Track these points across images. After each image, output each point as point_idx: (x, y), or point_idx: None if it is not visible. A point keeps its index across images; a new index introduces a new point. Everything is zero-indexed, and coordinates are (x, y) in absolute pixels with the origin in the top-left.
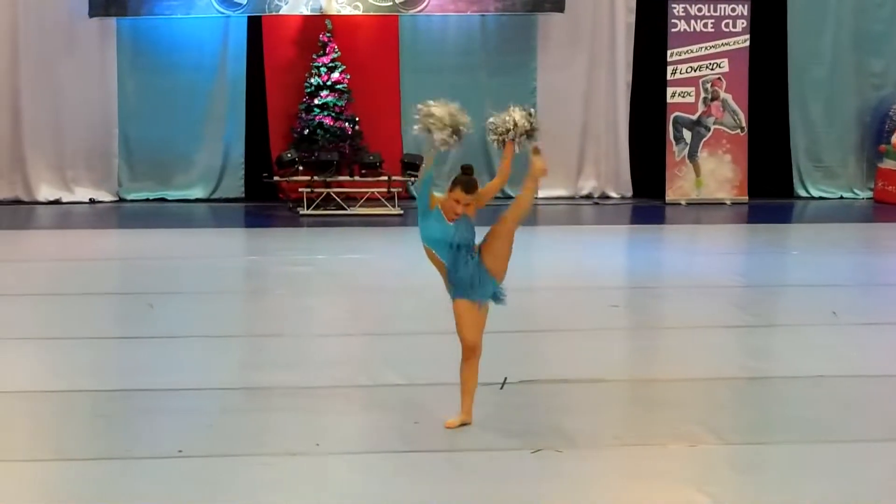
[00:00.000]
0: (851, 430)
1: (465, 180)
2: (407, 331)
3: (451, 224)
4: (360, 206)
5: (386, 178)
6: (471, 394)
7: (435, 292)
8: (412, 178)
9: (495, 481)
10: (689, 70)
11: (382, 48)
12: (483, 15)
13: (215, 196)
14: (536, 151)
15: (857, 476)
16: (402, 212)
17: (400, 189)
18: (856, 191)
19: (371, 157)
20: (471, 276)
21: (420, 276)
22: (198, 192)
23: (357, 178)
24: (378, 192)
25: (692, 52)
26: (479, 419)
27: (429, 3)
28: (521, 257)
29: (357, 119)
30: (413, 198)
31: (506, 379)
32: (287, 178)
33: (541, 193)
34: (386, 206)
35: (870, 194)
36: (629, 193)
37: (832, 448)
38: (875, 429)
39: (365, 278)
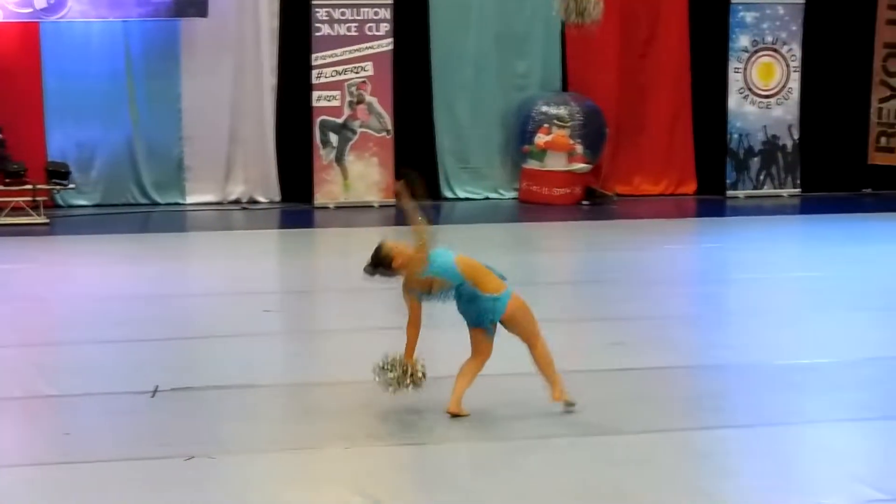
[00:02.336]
0: (514, 428)
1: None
2: (59, 341)
3: None
4: (4, 216)
5: (30, 186)
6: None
7: (84, 301)
8: (57, 187)
9: (151, 490)
10: (334, 74)
11: (24, 55)
12: (126, 21)
13: None
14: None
15: (515, 473)
16: (48, 221)
17: (45, 198)
18: (501, 191)
19: (14, 166)
20: None
21: (71, 284)
22: None
23: (1, 186)
24: (23, 201)
25: (337, 55)
26: (133, 427)
27: (70, 9)
28: (169, 264)
29: None
30: (59, 206)
31: (157, 387)
32: None
33: (189, 200)
34: (31, 214)
35: (515, 194)
36: (278, 198)
37: (492, 446)
38: (526, 428)
39: (13, 288)
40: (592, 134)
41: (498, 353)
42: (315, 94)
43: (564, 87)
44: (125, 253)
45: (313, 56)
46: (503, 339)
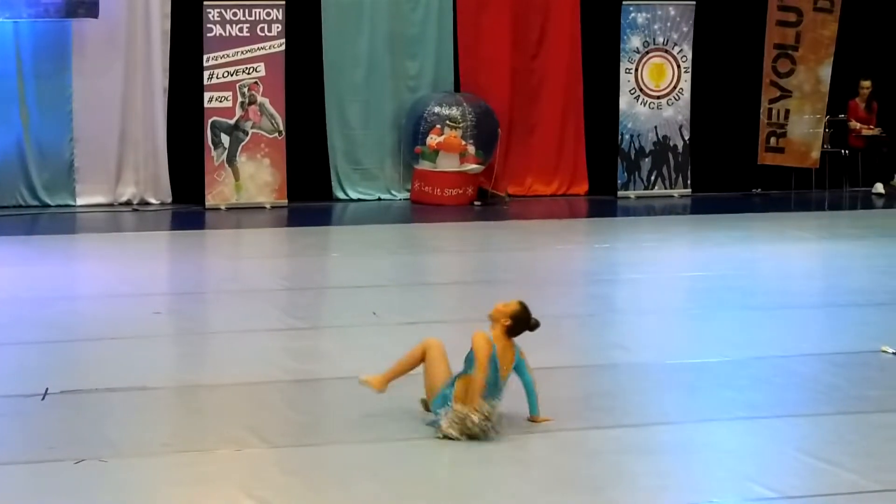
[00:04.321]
0: (397, 430)
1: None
2: None
3: None
4: None
5: None
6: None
7: None
8: None
9: (40, 494)
10: (226, 74)
11: None
12: (16, 21)
13: None
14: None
15: (404, 474)
16: None
17: None
18: (393, 192)
19: None
20: None
21: None
22: None
23: None
24: None
25: (229, 56)
26: (22, 431)
27: None
28: (59, 267)
29: None
30: None
31: (47, 390)
32: None
33: (79, 201)
34: None
35: (407, 195)
36: (169, 199)
37: (381, 447)
38: (413, 428)
39: None
40: (485, 134)
41: (381, 354)
42: (207, 94)
43: (457, 88)
44: (14, 255)
45: (205, 57)
46: (389, 342)
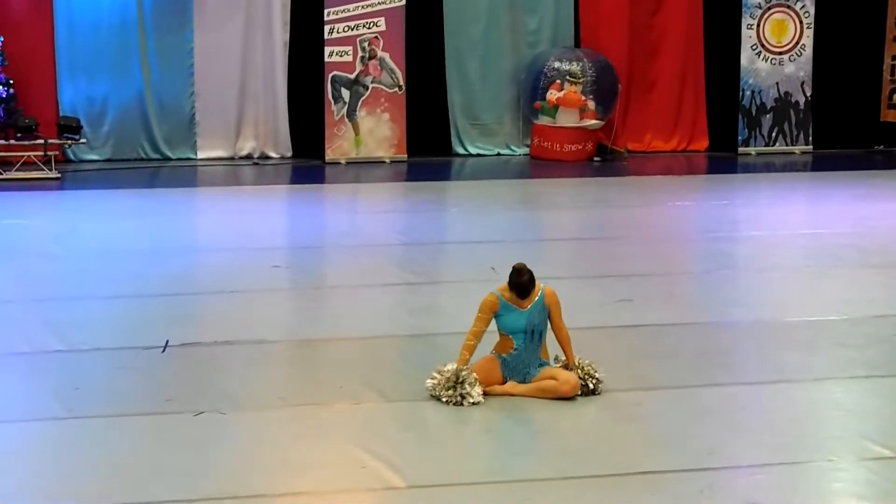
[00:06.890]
0: None
1: (518, 284)
2: (68, 296)
3: (525, 311)
4: (16, 171)
5: (42, 141)
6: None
7: (94, 256)
8: (69, 142)
9: (160, 445)
10: (346, 29)
11: (36, 9)
12: None
13: None
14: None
15: (517, 430)
16: (59, 175)
17: (57, 153)
18: (513, 147)
19: (27, 121)
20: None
21: (80, 239)
22: None
23: (12, 141)
24: (34, 156)
25: (349, 11)
26: (142, 382)
27: None
28: (179, 220)
29: (11, 82)
30: (71, 160)
31: (168, 342)
32: None
33: (200, 155)
34: (43, 169)
35: (526, 150)
36: (289, 153)
37: (495, 403)
38: None
39: (23, 243)
40: (604, 90)
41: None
42: (327, 49)
43: (577, 44)
44: (136, 208)
45: (326, 11)
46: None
